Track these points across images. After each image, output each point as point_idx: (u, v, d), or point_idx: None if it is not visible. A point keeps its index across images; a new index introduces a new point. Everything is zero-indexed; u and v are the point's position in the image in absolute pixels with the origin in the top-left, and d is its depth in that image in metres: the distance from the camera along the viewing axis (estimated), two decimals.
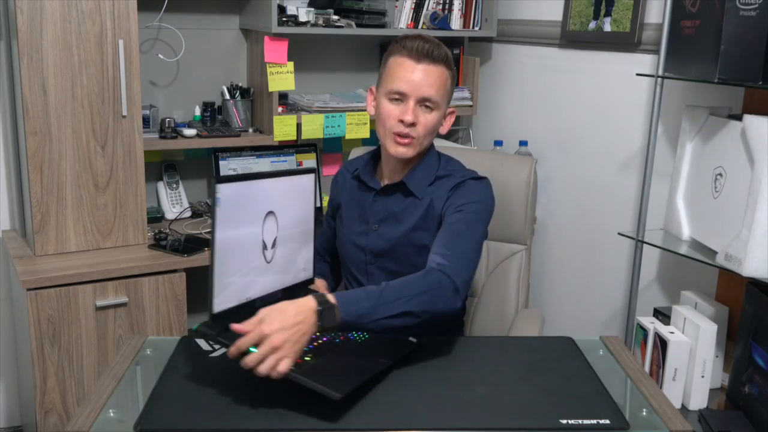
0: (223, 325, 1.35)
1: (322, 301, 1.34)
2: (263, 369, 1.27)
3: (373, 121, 2.53)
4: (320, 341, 1.43)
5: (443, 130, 1.74)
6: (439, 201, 1.70)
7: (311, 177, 1.60)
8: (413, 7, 2.94)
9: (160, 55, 2.71)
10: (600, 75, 2.68)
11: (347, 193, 1.84)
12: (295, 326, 1.30)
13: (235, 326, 1.31)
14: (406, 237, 1.72)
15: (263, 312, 1.31)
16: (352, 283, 1.84)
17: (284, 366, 1.28)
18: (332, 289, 1.89)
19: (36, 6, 2.17)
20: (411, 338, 1.51)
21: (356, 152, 2.11)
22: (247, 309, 1.41)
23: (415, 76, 1.63)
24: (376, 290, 1.42)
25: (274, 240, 1.50)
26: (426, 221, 1.71)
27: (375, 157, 1.81)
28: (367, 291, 1.41)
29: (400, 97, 1.65)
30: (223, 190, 1.35)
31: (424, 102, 1.64)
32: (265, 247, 1.48)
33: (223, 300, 1.38)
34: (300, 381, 1.28)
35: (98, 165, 2.34)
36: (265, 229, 1.47)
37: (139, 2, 2.31)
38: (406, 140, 1.66)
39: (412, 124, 1.64)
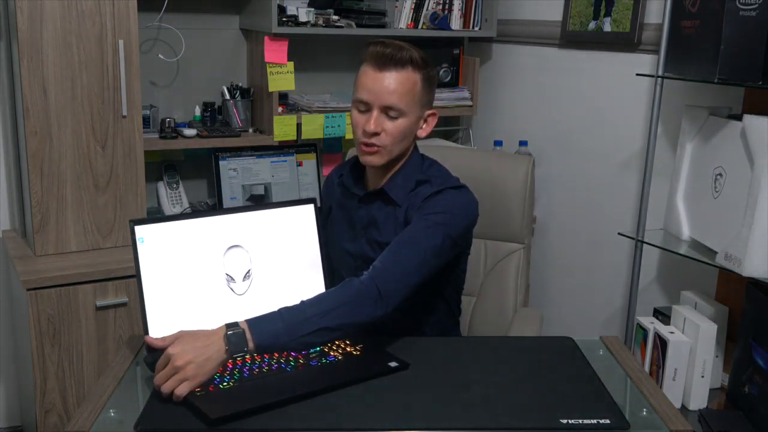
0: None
1: (231, 325, 1.36)
2: (165, 388, 1.29)
3: None
4: (265, 368, 1.42)
5: (422, 133, 1.70)
6: (412, 209, 1.67)
7: (310, 207, 1.63)
8: (413, 7, 2.94)
9: (160, 55, 2.71)
10: (600, 75, 2.68)
11: (336, 198, 1.83)
12: (200, 350, 1.32)
13: (149, 339, 1.39)
14: (387, 243, 1.67)
15: (179, 333, 1.36)
16: None
17: (182, 389, 1.29)
18: None
19: (36, 6, 2.16)
20: (394, 363, 1.44)
21: (353, 153, 2.10)
22: None
23: (376, 84, 1.60)
24: (289, 310, 1.42)
25: (247, 272, 1.52)
26: (403, 227, 1.67)
27: (360, 162, 1.78)
28: (281, 312, 1.41)
29: (364, 107, 1.63)
30: (142, 230, 1.44)
31: (387, 110, 1.61)
32: (231, 279, 1.50)
33: (165, 333, 1.42)
34: (189, 400, 1.29)
35: (98, 165, 2.34)
36: (227, 263, 1.50)
37: (139, 2, 2.31)
38: (373, 149, 1.63)
39: (376, 134, 1.61)
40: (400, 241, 1.59)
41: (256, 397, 1.30)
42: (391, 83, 1.60)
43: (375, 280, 1.49)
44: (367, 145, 1.64)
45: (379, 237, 1.70)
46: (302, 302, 1.45)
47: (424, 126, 1.70)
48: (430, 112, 1.70)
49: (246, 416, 1.26)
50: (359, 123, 1.64)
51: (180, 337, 1.35)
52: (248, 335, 1.35)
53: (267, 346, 1.38)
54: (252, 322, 1.37)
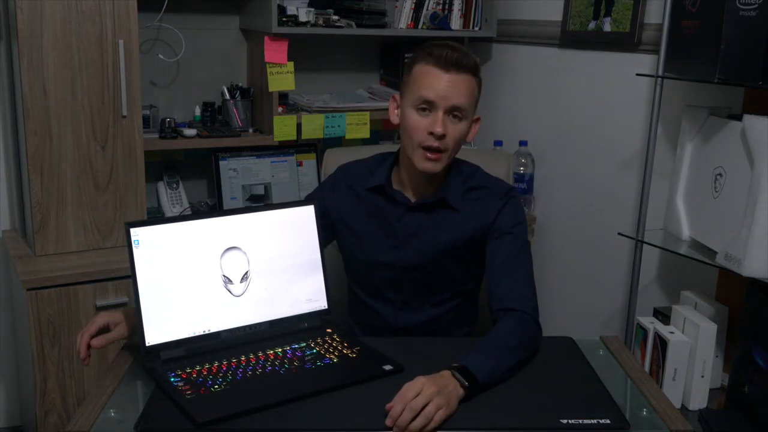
0: (165, 357, 1.43)
1: (449, 366, 1.37)
2: (426, 413, 1.25)
3: (373, 121, 2.50)
4: (259, 371, 1.42)
5: (469, 138, 1.68)
6: (487, 217, 1.67)
7: (310, 208, 1.62)
8: (413, 7, 2.94)
9: (160, 55, 2.71)
10: (600, 75, 2.68)
11: (360, 207, 1.74)
12: (440, 383, 1.31)
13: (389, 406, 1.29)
14: (445, 250, 1.68)
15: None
16: (372, 298, 1.78)
17: (441, 415, 1.26)
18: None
19: (36, 6, 2.16)
20: (389, 366, 1.45)
21: (339, 154, 2.05)
22: (210, 341, 1.48)
23: (443, 84, 1.57)
24: (485, 347, 1.43)
25: (245, 273, 1.52)
26: (471, 235, 1.67)
27: (391, 167, 1.73)
28: (478, 351, 1.41)
29: (427, 107, 1.58)
30: (137, 233, 1.43)
31: (452, 111, 1.59)
32: (229, 281, 1.49)
33: (161, 334, 1.43)
34: (177, 400, 1.30)
35: (98, 165, 2.34)
36: (225, 264, 1.50)
37: (139, 2, 2.31)
38: (437, 155, 1.59)
39: (442, 136, 1.58)
40: (512, 265, 1.62)
41: (246, 400, 1.31)
42: (459, 85, 1.58)
43: (526, 309, 1.55)
44: (431, 150, 1.59)
45: (433, 242, 1.68)
46: (486, 338, 1.47)
47: (470, 131, 1.68)
48: (475, 117, 1.69)
49: (234, 419, 1.26)
50: (421, 125, 1.59)
51: (411, 382, 1.31)
52: (466, 370, 1.36)
53: (485, 383, 1.37)
54: (468, 362, 1.37)
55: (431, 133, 1.58)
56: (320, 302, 1.61)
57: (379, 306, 1.76)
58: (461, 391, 1.33)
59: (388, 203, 1.71)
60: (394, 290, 1.74)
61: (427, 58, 1.59)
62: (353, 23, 2.80)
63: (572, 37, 2.75)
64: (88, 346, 1.48)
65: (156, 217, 2.67)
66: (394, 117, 1.69)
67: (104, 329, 1.50)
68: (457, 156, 1.72)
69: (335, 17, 2.77)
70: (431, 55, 1.59)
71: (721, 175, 2.04)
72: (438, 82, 1.58)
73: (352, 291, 1.84)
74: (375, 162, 1.77)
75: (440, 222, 1.68)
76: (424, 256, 1.69)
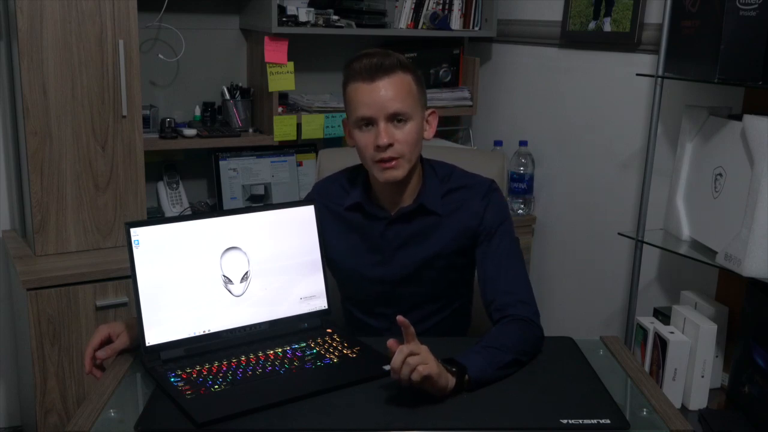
0: (165, 357, 1.44)
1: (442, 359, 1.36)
2: (412, 360, 1.28)
3: None
4: (259, 371, 1.42)
5: (428, 135, 1.65)
6: (472, 219, 1.64)
7: (310, 208, 1.61)
8: (413, 7, 2.94)
9: (160, 55, 2.71)
10: (600, 75, 2.68)
11: (341, 226, 1.71)
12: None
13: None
14: (433, 258, 1.65)
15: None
16: (366, 315, 1.76)
17: (418, 373, 1.27)
18: None
19: (36, 6, 2.16)
20: (388, 366, 1.42)
21: (333, 154, 2.04)
22: (210, 341, 1.48)
23: (374, 96, 1.53)
24: (479, 347, 1.43)
25: (245, 274, 1.52)
26: (458, 240, 1.65)
27: (366, 181, 1.69)
28: (470, 348, 1.42)
29: (367, 124, 1.55)
30: (137, 233, 1.42)
31: (394, 118, 1.54)
32: (229, 281, 1.49)
33: (161, 334, 1.44)
34: (177, 400, 1.30)
35: (98, 165, 2.34)
36: (225, 264, 1.50)
37: (139, 2, 2.31)
38: (392, 163, 1.55)
39: (390, 145, 1.54)
40: (506, 268, 1.61)
41: (246, 400, 1.31)
42: (389, 89, 1.53)
43: (527, 315, 1.54)
44: (384, 161, 1.56)
45: (422, 251, 1.65)
46: (483, 339, 1.46)
47: (428, 128, 1.64)
48: (429, 111, 1.65)
49: (234, 419, 1.26)
50: (368, 142, 1.56)
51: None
52: (457, 364, 1.36)
53: (477, 380, 1.37)
54: (457, 356, 1.37)
55: (378, 147, 1.54)
56: (320, 302, 1.61)
57: (374, 322, 1.75)
58: (451, 381, 1.33)
59: (368, 219, 1.68)
60: (387, 305, 1.72)
61: (352, 75, 1.56)
62: (353, 23, 2.80)
63: (572, 37, 2.75)
64: (94, 359, 1.47)
65: (156, 217, 2.67)
66: (349, 140, 1.64)
67: (107, 341, 1.49)
68: (443, 159, 1.71)
69: (335, 17, 2.77)
70: (354, 71, 1.55)
71: (721, 175, 2.04)
72: (367, 96, 1.54)
73: (346, 309, 1.82)
74: (347, 179, 1.73)
75: (424, 230, 1.65)
76: (412, 268, 1.67)
